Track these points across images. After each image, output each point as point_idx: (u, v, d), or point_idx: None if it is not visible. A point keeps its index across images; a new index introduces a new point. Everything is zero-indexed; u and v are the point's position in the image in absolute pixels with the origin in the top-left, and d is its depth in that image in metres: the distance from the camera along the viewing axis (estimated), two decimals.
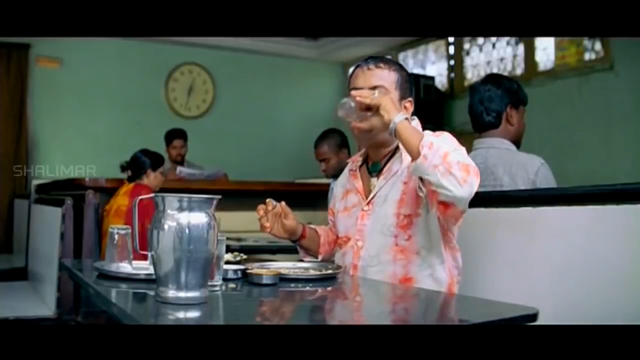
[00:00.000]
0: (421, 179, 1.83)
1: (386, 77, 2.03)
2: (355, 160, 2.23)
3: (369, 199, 2.07)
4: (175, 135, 6.00)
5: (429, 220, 1.97)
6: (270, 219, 2.14)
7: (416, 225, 1.98)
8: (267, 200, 2.16)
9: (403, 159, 2.03)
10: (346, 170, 2.27)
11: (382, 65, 2.04)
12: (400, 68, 2.10)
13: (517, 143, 2.71)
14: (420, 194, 1.90)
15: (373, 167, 2.13)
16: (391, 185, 2.03)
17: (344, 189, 2.23)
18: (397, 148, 2.07)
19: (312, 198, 5.13)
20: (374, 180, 2.10)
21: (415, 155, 1.76)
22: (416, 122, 2.11)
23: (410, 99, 2.09)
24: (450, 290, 2.01)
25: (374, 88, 1.99)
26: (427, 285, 1.94)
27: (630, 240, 1.85)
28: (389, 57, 2.13)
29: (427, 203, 1.95)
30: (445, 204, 1.87)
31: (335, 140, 4.39)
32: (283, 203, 2.15)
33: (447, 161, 1.72)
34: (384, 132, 1.94)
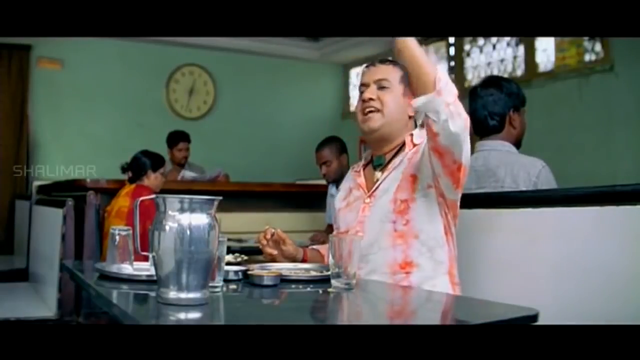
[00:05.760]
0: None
1: (390, 71, 2.11)
2: (359, 164, 2.28)
3: (371, 191, 2.12)
4: (180, 137, 5.98)
5: (427, 204, 2.00)
6: (273, 245, 2.17)
7: (413, 210, 2.00)
8: (266, 227, 2.18)
9: (406, 152, 2.08)
10: (350, 173, 2.30)
11: (387, 62, 2.13)
12: None
13: (518, 144, 2.71)
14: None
15: (377, 161, 2.17)
16: (393, 177, 2.07)
17: (348, 189, 2.27)
18: (403, 144, 2.12)
19: (313, 199, 5.14)
20: (377, 174, 2.14)
21: (429, 86, 1.78)
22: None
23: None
24: (450, 273, 2.02)
25: (377, 81, 2.09)
26: (428, 268, 1.97)
27: (630, 241, 1.85)
28: None
29: (423, 186, 1.98)
30: (440, 152, 1.89)
31: (336, 146, 4.55)
32: (279, 230, 2.17)
33: (458, 102, 1.80)
34: (389, 127, 2.08)
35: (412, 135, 2.12)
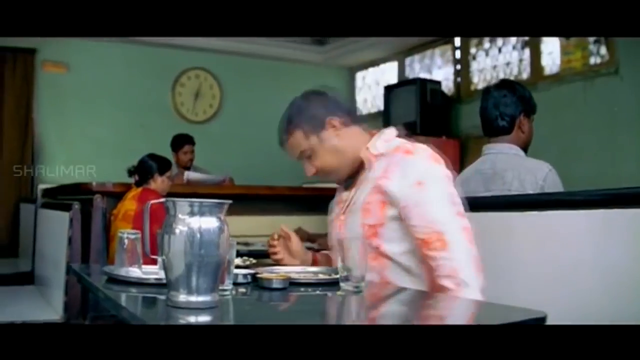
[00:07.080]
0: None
1: (295, 141, 2.13)
2: None
3: (343, 209, 2.11)
4: (185, 140, 6.00)
5: (398, 227, 1.95)
6: (282, 245, 2.18)
7: (382, 235, 1.96)
8: (273, 233, 2.19)
9: (372, 167, 2.03)
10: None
11: (285, 137, 2.15)
12: (298, 110, 2.18)
13: (524, 150, 2.72)
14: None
15: (346, 184, 2.18)
16: (359, 194, 2.05)
17: (335, 203, 2.27)
18: (362, 162, 2.10)
19: (319, 202, 5.11)
20: (345, 194, 2.14)
21: None
22: (390, 131, 2.12)
23: (329, 118, 2.09)
24: (435, 287, 1.93)
25: (299, 156, 2.13)
26: (406, 285, 1.94)
27: (636, 244, 1.85)
28: (291, 112, 2.25)
29: (393, 213, 1.95)
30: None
31: None
32: (284, 225, 2.18)
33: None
34: (339, 172, 2.12)
35: (367, 148, 2.07)
